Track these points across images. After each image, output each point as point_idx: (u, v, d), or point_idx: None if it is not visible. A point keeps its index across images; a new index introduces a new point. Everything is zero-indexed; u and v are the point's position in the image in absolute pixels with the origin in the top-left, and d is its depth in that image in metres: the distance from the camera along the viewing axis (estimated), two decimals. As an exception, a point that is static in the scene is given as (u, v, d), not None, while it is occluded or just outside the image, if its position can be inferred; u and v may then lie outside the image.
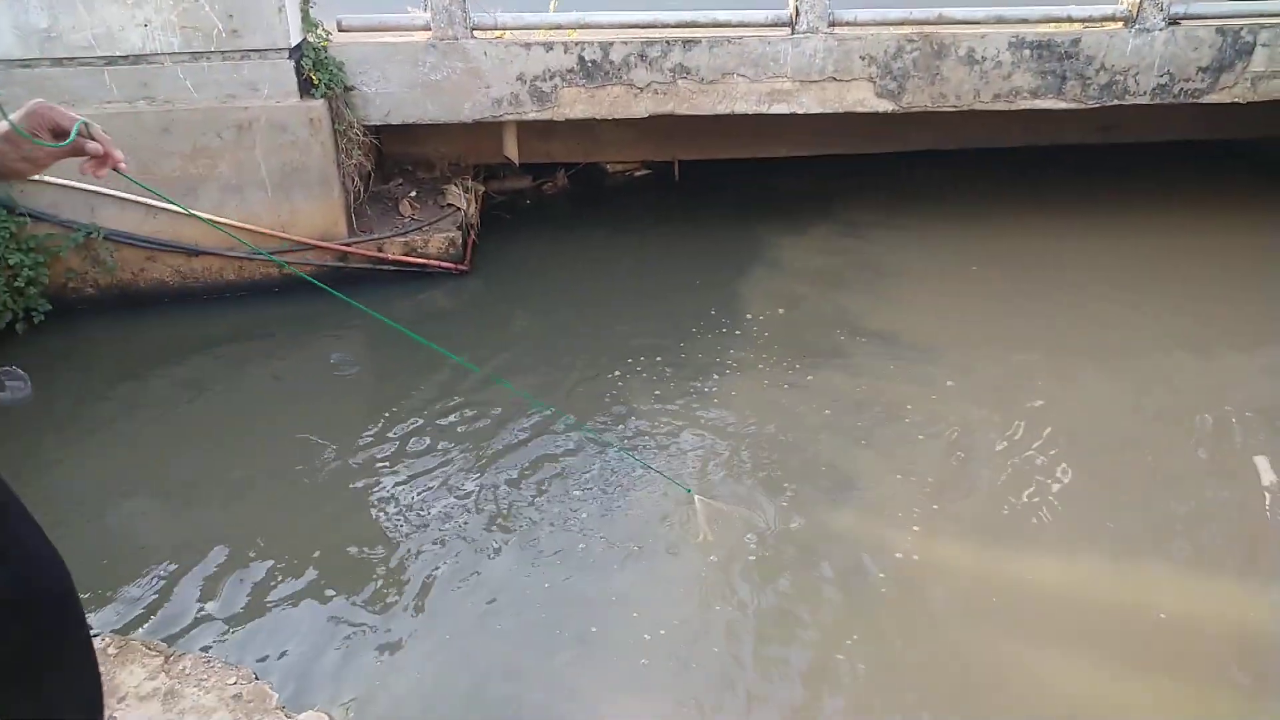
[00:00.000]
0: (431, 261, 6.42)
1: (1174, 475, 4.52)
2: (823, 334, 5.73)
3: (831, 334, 5.73)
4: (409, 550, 3.92)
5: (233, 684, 2.26)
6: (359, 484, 4.37)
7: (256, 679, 2.29)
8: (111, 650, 2.41)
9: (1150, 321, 5.98)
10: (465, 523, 4.09)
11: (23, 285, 5.42)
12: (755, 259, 6.88)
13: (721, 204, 7.97)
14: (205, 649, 2.47)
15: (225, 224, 5.82)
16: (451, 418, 4.87)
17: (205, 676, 2.28)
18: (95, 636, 2.48)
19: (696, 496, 2.48)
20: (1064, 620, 3.69)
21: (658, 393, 5.14)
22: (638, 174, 8.65)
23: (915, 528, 4.09)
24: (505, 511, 4.16)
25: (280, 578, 3.77)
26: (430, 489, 4.32)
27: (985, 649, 3.55)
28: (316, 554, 3.90)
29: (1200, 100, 6.71)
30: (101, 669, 2.37)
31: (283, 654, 3.33)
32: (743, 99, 6.47)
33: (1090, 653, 3.51)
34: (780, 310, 6.05)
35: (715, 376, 5.27)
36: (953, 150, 8.38)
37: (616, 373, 5.37)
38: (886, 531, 4.07)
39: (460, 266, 6.51)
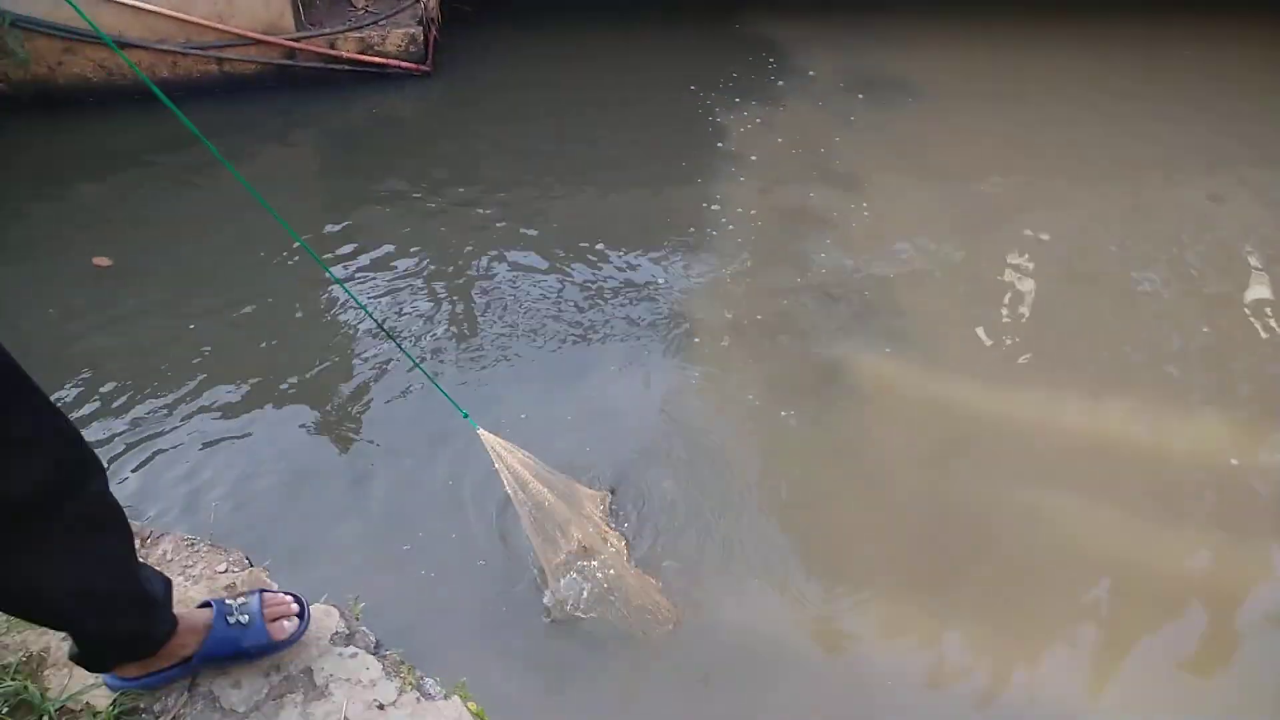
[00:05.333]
0: (390, 61, 5.77)
1: (1156, 305, 4.38)
2: (802, 168, 5.36)
3: (810, 163, 5.37)
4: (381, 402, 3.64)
5: (223, 571, 1.97)
6: (317, 315, 4.02)
7: (250, 564, 2.01)
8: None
9: (1143, 141, 5.71)
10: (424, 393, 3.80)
11: (-79, 78, 4.74)
12: (742, 53, 6.37)
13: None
14: (186, 528, 2.16)
15: (152, 10, 5.12)
16: (402, 242, 4.48)
17: (190, 563, 1.98)
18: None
19: (480, 430, 2.04)
20: (1042, 455, 3.60)
21: (631, 211, 4.78)
22: (613, -39, 7.84)
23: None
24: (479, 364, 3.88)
25: (246, 421, 3.47)
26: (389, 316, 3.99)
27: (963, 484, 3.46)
28: (282, 391, 3.60)
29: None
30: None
31: (273, 533, 3.03)
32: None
33: (1067, 488, 3.44)
34: (762, 123, 5.61)
35: (691, 193, 4.90)
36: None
37: (586, 190, 4.99)
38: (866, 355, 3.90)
39: (422, 67, 5.87)
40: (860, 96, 5.95)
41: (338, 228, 4.55)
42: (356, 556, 2.96)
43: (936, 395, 3.82)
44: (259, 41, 5.45)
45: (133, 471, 3.21)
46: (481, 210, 4.76)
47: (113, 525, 1.50)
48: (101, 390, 3.52)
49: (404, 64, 5.80)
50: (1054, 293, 4.38)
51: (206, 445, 3.32)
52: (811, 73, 6.20)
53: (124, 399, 3.49)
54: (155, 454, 3.28)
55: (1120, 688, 2.87)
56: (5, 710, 1.69)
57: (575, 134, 5.52)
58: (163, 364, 3.67)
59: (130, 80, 5.32)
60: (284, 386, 3.61)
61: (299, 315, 4.01)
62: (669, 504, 3.13)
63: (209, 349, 3.77)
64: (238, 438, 3.38)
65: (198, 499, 3.10)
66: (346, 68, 5.70)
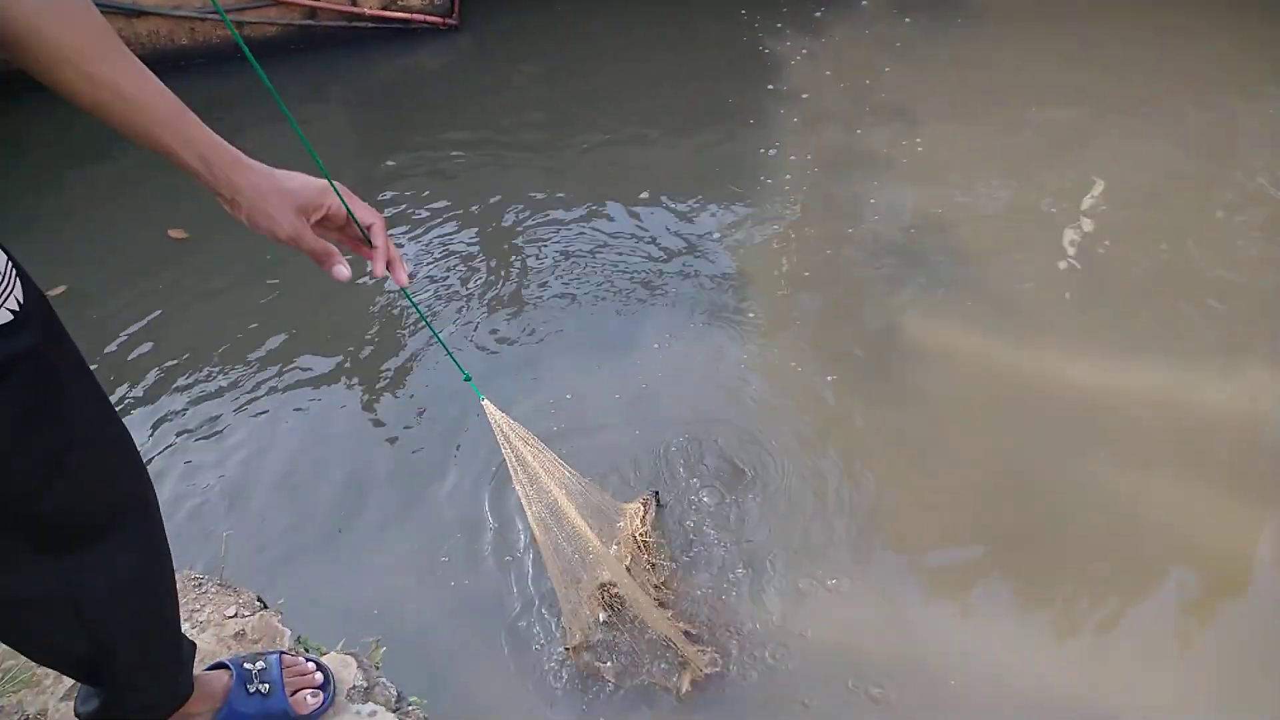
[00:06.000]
0: (415, 16, 5.48)
1: (1242, 246, 3.97)
2: (845, 119, 4.98)
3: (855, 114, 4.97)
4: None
5: (232, 616, 1.80)
6: (340, 295, 3.81)
7: (263, 606, 1.83)
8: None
9: (1214, 58, 5.19)
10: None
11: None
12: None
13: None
14: (193, 559, 1.99)
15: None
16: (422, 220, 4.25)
17: (198, 606, 1.81)
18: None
19: (484, 401, 1.63)
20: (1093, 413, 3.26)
21: (676, 162, 4.49)
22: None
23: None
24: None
25: (259, 419, 3.30)
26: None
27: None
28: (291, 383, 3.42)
29: None
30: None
31: (283, 559, 2.76)
32: None
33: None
34: (808, 55, 5.23)
35: (742, 152, 4.58)
36: None
37: (627, 143, 4.70)
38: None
39: (449, 21, 5.58)
40: (908, 20, 5.52)
41: (366, 191, 4.34)
42: (377, 582, 2.71)
43: (1002, 356, 3.49)
44: (279, 2, 5.21)
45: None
46: (517, 169, 4.51)
47: (168, 555, 1.35)
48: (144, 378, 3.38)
49: (429, 18, 5.51)
50: (1127, 235, 3.98)
51: (217, 457, 3.13)
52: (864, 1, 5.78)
53: (159, 388, 3.35)
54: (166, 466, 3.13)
55: (1207, 681, 2.60)
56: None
57: (612, 83, 5.22)
58: (189, 351, 3.53)
59: (147, 50, 5.13)
60: (308, 382, 3.42)
61: (326, 295, 3.83)
62: (717, 503, 2.87)
63: (244, 330, 3.60)
64: (254, 444, 3.15)
65: (209, 520, 2.88)
66: (370, 25, 5.43)
